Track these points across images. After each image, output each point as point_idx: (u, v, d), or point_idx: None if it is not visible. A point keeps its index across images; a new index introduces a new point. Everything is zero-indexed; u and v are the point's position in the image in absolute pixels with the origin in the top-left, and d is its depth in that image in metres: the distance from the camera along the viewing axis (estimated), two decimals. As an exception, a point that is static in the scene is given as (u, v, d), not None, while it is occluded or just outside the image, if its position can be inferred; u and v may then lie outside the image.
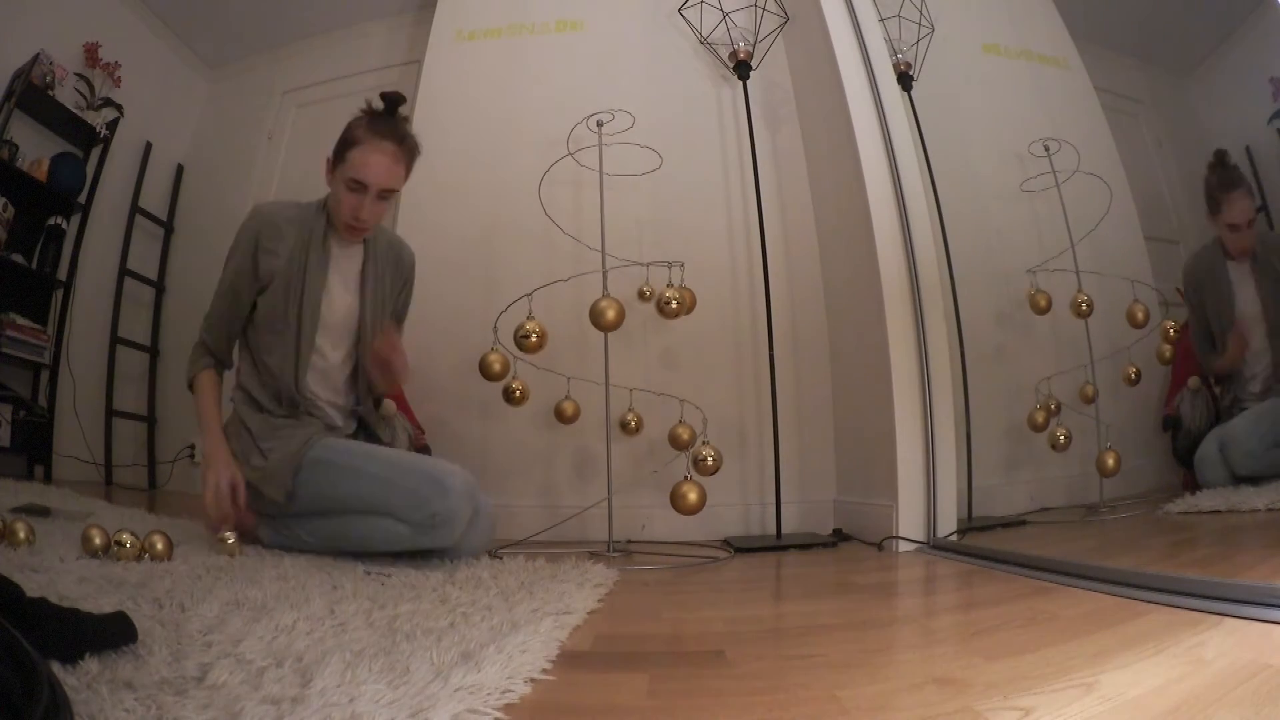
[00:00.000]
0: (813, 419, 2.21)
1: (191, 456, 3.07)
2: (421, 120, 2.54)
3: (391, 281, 1.69)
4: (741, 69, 2.24)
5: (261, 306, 1.56)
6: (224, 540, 1.36)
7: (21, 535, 1.22)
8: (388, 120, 1.53)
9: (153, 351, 3.27)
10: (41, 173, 2.79)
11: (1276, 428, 1.74)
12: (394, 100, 1.55)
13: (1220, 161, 1.82)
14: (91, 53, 3.00)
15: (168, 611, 0.87)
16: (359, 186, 1.50)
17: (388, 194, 1.54)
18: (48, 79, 2.77)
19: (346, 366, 1.64)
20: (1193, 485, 1.88)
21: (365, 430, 1.68)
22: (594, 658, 0.82)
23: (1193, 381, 1.99)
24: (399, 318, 1.76)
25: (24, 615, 0.61)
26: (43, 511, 1.63)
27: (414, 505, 1.35)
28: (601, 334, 1.85)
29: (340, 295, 1.61)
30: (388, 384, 1.64)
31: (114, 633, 0.70)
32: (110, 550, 1.22)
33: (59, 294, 2.92)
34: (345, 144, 1.52)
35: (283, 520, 1.49)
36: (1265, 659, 0.68)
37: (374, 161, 1.49)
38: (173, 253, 3.41)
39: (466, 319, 2.22)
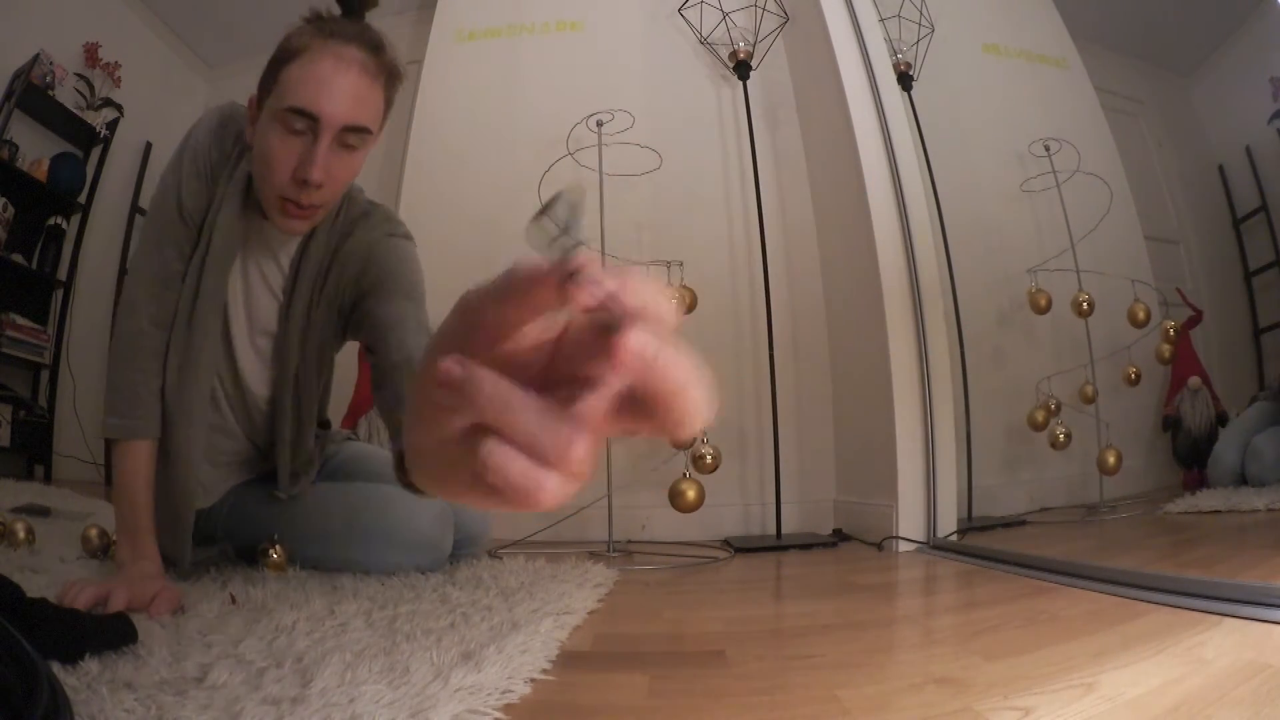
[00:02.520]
0: (813, 419, 2.21)
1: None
2: (422, 120, 2.54)
3: (348, 281, 1.07)
4: (741, 69, 2.24)
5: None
6: (266, 556, 1.17)
7: (21, 535, 1.22)
8: (350, 23, 0.94)
9: (153, 351, 3.27)
10: (41, 173, 2.79)
11: None
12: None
13: None
14: (91, 53, 3.00)
15: (168, 611, 0.87)
16: (304, 120, 0.88)
17: (356, 137, 0.92)
18: (48, 79, 2.77)
19: (264, 395, 1.16)
20: (1193, 485, 1.88)
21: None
22: (594, 658, 0.82)
23: (1193, 381, 1.99)
24: (392, 367, 1.00)
25: (24, 616, 0.61)
26: (43, 511, 1.63)
27: (391, 567, 1.22)
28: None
29: (255, 302, 1.08)
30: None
31: (114, 633, 0.70)
32: (110, 550, 1.22)
33: (59, 294, 2.93)
34: (280, 59, 0.91)
35: None
36: (1265, 659, 0.68)
37: (327, 75, 0.88)
38: (173, 253, 3.42)
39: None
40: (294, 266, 1.06)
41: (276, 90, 0.91)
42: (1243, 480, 1.74)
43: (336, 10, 0.96)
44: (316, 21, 0.93)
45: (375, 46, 0.93)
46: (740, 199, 2.33)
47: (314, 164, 0.89)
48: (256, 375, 1.13)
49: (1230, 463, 1.77)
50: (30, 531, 1.24)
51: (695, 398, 0.23)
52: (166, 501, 1.04)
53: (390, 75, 0.96)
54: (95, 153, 3.06)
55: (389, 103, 0.97)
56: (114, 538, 1.21)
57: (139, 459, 0.98)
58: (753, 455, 2.18)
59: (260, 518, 1.20)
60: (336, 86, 0.88)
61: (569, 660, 0.78)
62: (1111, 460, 1.92)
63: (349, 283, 1.07)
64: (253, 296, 1.09)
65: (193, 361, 1.02)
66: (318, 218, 0.98)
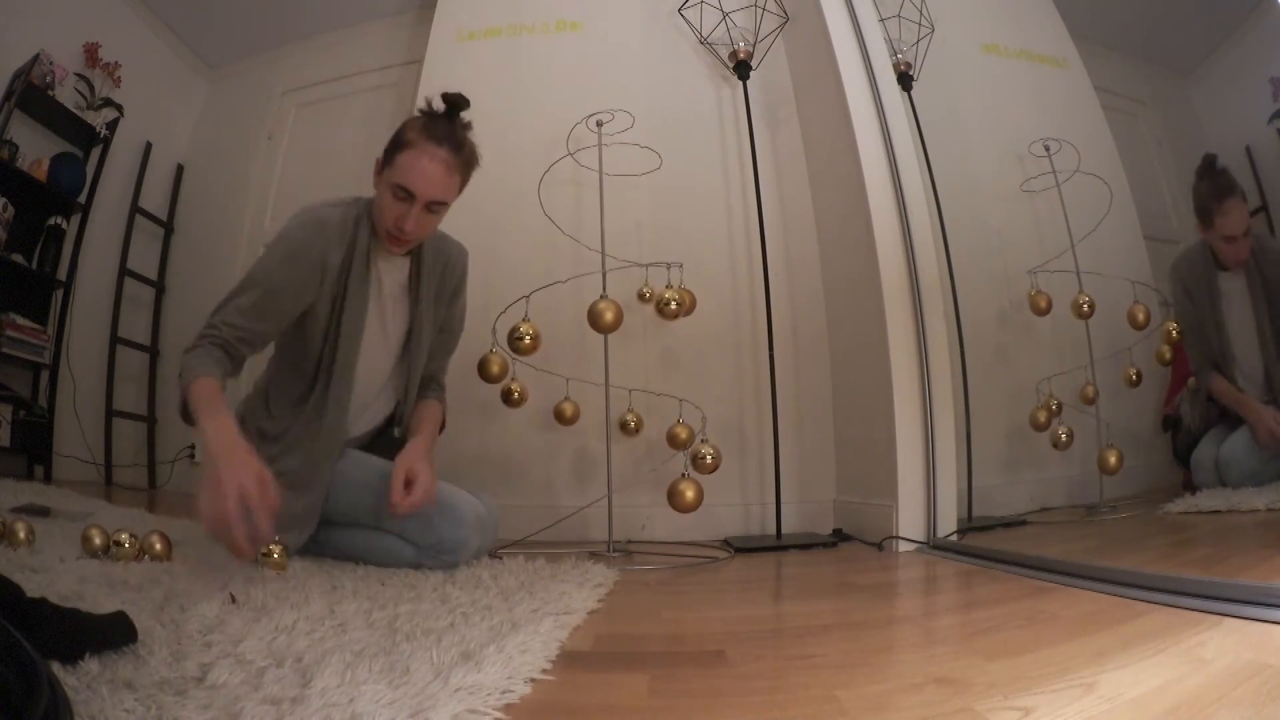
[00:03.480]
0: (813, 419, 2.21)
1: (191, 456, 3.07)
2: (421, 120, 2.54)
3: (439, 293, 1.57)
4: (741, 69, 2.24)
5: (309, 325, 1.41)
6: (268, 556, 1.18)
7: (21, 535, 1.22)
8: (446, 124, 1.39)
9: (153, 351, 3.27)
10: (41, 173, 2.79)
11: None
12: (456, 103, 1.41)
13: (1209, 168, 1.68)
14: (91, 53, 3.00)
15: (168, 611, 0.87)
16: (405, 195, 1.35)
17: (438, 206, 1.39)
18: (48, 79, 2.77)
19: (389, 388, 1.56)
20: (1192, 485, 1.88)
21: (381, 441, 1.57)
22: (594, 658, 0.82)
23: (1193, 382, 1.99)
24: (452, 333, 1.65)
25: (24, 615, 0.61)
26: (43, 511, 1.63)
27: (424, 528, 1.35)
28: (600, 335, 1.85)
29: (385, 312, 1.49)
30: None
31: (114, 633, 0.70)
32: (110, 550, 1.22)
33: (59, 294, 2.92)
34: (396, 145, 1.38)
35: None
36: (1265, 659, 0.68)
37: (424, 168, 1.34)
38: (173, 253, 3.42)
39: (467, 319, 2.22)
40: (414, 269, 1.52)
41: (392, 167, 1.37)
42: (1222, 484, 1.75)
43: (439, 105, 1.42)
44: (427, 116, 1.40)
45: (459, 147, 1.39)
46: (740, 199, 2.33)
47: (408, 222, 1.37)
48: (380, 353, 1.51)
49: (1210, 466, 1.79)
50: (30, 531, 1.24)
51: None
52: (300, 479, 1.36)
53: (468, 165, 1.42)
54: (95, 153, 3.05)
55: (465, 180, 1.43)
56: (116, 537, 1.22)
57: (210, 386, 1.22)
58: (753, 455, 2.18)
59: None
60: (428, 176, 1.35)
61: (569, 660, 0.78)
62: (1113, 460, 1.92)
63: (450, 289, 1.60)
64: (383, 295, 1.49)
65: (336, 392, 1.41)
66: (412, 245, 1.46)
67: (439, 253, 1.56)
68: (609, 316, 1.80)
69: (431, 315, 1.55)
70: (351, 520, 1.42)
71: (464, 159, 1.39)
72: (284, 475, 1.24)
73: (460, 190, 1.43)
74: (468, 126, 1.42)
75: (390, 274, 1.49)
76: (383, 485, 1.36)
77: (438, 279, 1.56)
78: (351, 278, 1.41)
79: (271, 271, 1.35)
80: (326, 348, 1.42)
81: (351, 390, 1.43)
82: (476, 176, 2.40)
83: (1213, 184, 1.67)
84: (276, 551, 1.21)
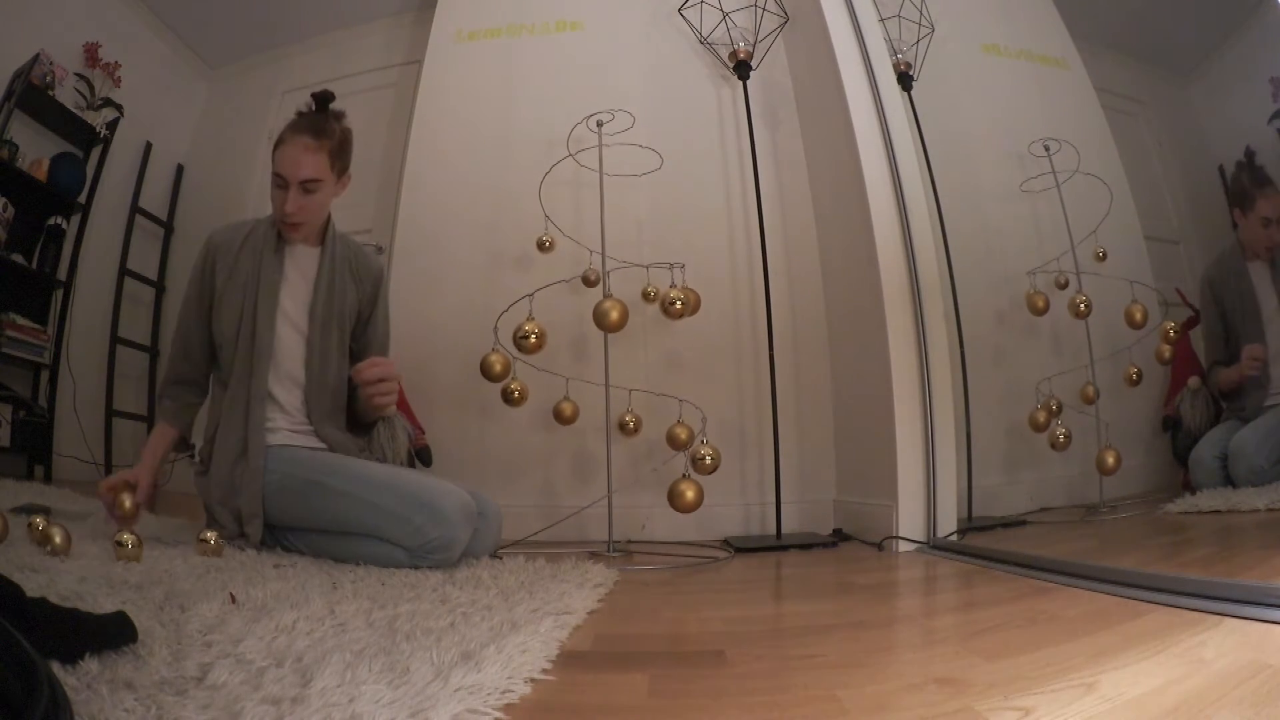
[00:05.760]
0: (813, 419, 2.21)
1: (191, 456, 3.06)
2: (421, 120, 2.54)
3: (352, 287, 1.66)
4: (741, 69, 2.24)
5: (220, 323, 1.55)
6: (119, 541, 1.19)
7: (58, 540, 1.19)
8: (311, 117, 1.56)
9: (153, 351, 3.27)
10: (41, 173, 2.79)
11: None
12: (322, 98, 1.59)
13: (1250, 160, 1.82)
14: (91, 53, 2.99)
15: (168, 611, 0.87)
16: (281, 181, 1.53)
17: (311, 184, 1.53)
18: (48, 79, 2.77)
19: (305, 370, 1.61)
20: (1192, 485, 1.88)
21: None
22: (594, 658, 0.82)
23: (1193, 381, 1.99)
24: (373, 334, 1.72)
25: (24, 615, 0.61)
26: (43, 511, 1.63)
27: (409, 532, 1.34)
28: (601, 334, 1.85)
29: (294, 292, 1.60)
30: (373, 408, 1.56)
31: (114, 633, 0.69)
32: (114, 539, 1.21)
33: (59, 294, 2.92)
34: (275, 146, 1.56)
35: (281, 529, 1.48)
36: (1265, 659, 0.68)
37: (287, 155, 1.52)
38: (173, 253, 3.42)
39: (467, 319, 2.22)
40: (325, 261, 1.64)
41: (273, 164, 1.55)
42: (1225, 481, 1.75)
43: (311, 105, 1.59)
44: (298, 115, 1.57)
45: (319, 132, 1.54)
46: (740, 199, 2.33)
47: (288, 203, 1.53)
48: (298, 321, 1.60)
49: (1209, 465, 1.79)
50: (67, 537, 1.20)
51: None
52: (243, 470, 1.49)
53: (335, 142, 1.55)
54: (95, 153, 3.05)
55: (336, 158, 1.56)
56: (115, 537, 1.22)
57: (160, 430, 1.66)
58: (753, 455, 2.18)
59: (307, 460, 1.50)
60: (291, 160, 1.52)
61: (569, 660, 0.78)
62: (1110, 460, 1.92)
63: (365, 294, 1.70)
64: (294, 282, 1.61)
65: (256, 361, 1.53)
66: (303, 230, 1.60)
67: (351, 250, 1.69)
68: (614, 316, 1.80)
69: (338, 299, 1.63)
70: (341, 528, 1.40)
71: (328, 140, 1.54)
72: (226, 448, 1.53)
73: (335, 168, 1.56)
74: (338, 115, 1.59)
75: (300, 262, 1.62)
76: (367, 493, 1.38)
77: (347, 268, 1.67)
78: (262, 262, 1.57)
79: (183, 306, 1.60)
80: (242, 327, 1.54)
81: (270, 358, 1.53)
82: (477, 176, 2.42)
83: (1254, 173, 1.80)
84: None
